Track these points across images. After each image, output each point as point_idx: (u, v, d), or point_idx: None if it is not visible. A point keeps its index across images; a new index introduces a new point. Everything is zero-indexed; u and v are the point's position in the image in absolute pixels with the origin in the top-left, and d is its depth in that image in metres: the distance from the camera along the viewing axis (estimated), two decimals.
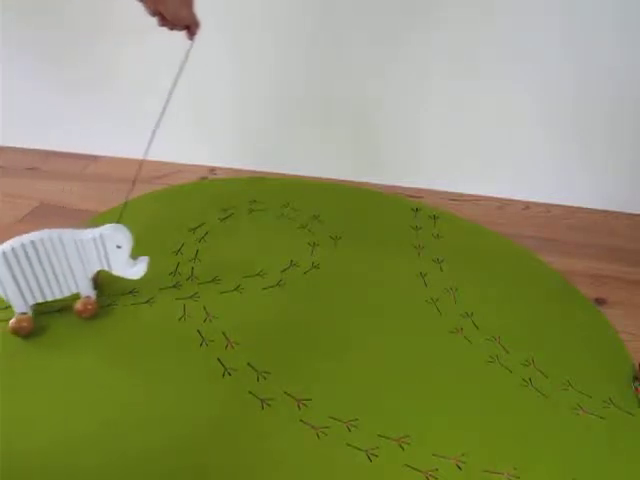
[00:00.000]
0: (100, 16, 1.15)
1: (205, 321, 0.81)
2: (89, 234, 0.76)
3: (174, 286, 0.88)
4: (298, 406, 0.69)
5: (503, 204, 1.16)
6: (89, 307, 0.80)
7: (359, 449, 0.64)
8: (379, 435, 0.65)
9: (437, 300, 0.87)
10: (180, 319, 0.81)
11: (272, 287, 0.88)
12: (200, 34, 1.14)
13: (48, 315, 0.81)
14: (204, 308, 0.84)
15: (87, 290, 0.80)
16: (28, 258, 0.73)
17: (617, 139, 1.06)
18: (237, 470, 0.61)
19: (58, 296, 0.79)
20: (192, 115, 1.24)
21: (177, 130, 1.27)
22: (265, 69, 1.15)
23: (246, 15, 1.09)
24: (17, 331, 0.77)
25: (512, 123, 1.09)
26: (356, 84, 1.12)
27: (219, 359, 0.75)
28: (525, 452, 0.64)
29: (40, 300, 0.78)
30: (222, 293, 0.87)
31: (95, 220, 1.06)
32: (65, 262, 0.76)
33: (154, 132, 0.85)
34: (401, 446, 0.64)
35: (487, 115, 1.09)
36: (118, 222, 0.78)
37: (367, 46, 1.07)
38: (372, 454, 0.63)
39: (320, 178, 1.23)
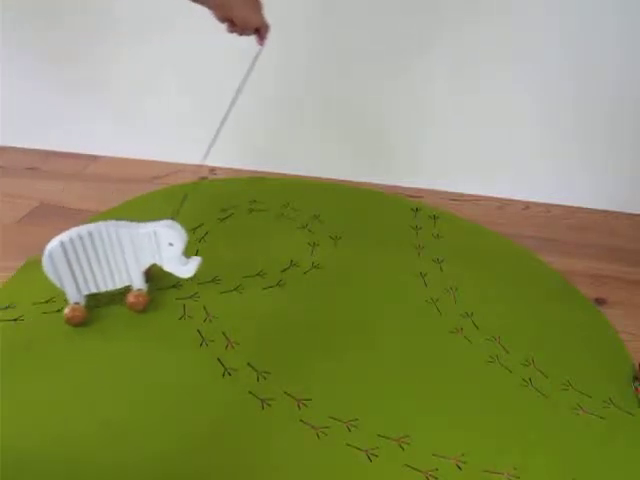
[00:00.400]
0: (100, 16, 1.15)
1: (205, 321, 0.81)
2: (144, 229, 0.77)
3: (174, 286, 0.88)
4: (298, 406, 0.69)
5: (503, 204, 1.16)
6: (141, 299, 0.81)
7: (359, 449, 0.64)
8: (379, 435, 0.65)
9: (437, 300, 0.87)
10: (180, 319, 0.81)
11: (272, 287, 0.88)
12: (200, 34, 1.14)
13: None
14: (204, 308, 0.84)
15: (139, 283, 0.81)
16: (84, 249, 0.75)
17: (617, 139, 1.06)
18: (237, 470, 0.61)
19: (111, 288, 0.80)
20: (192, 115, 1.24)
21: (177, 130, 1.27)
22: (265, 69, 1.15)
23: None
24: (70, 320, 0.78)
25: (512, 123, 1.09)
26: (356, 84, 1.12)
27: (219, 359, 0.75)
28: (525, 452, 0.64)
29: (94, 291, 0.79)
30: (222, 293, 0.87)
31: (95, 220, 1.06)
32: (120, 255, 0.77)
33: (215, 137, 0.89)
34: (401, 446, 0.64)
35: (487, 115, 1.09)
36: (173, 219, 0.80)
37: (367, 46, 1.07)
38: (372, 454, 0.63)
39: (320, 178, 1.23)
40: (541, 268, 0.97)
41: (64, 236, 0.74)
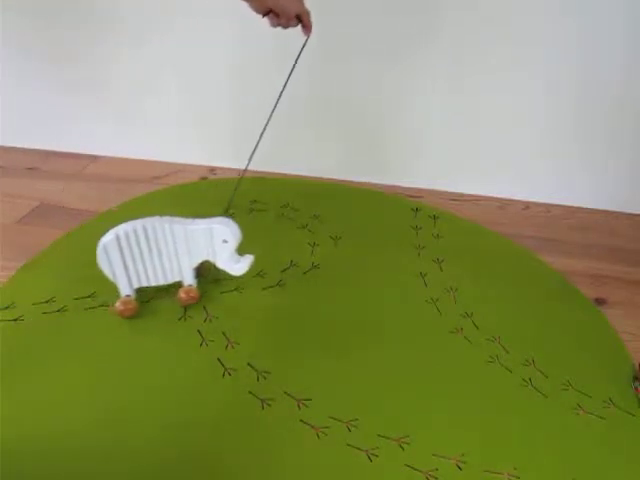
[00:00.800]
0: (100, 16, 1.15)
1: (205, 321, 0.81)
2: (199, 225, 0.77)
3: (174, 286, 0.87)
4: (298, 406, 0.69)
5: (503, 204, 1.16)
6: (192, 295, 0.82)
7: (359, 449, 0.64)
8: (379, 435, 0.65)
9: (437, 300, 0.87)
10: (180, 319, 0.81)
11: (272, 287, 0.88)
12: (200, 34, 1.14)
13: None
14: (204, 308, 0.84)
15: (190, 279, 0.82)
16: (138, 243, 0.76)
17: (617, 139, 1.06)
18: (237, 470, 0.61)
19: (162, 282, 0.81)
20: (192, 115, 1.24)
21: (177, 130, 1.27)
22: (265, 69, 1.15)
23: (245, 15, 1.09)
24: (122, 313, 0.80)
25: (512, 123, 1.09)
26: (356, 84, 1.12)
27: (219, 359, 0.75)
28: (525, 452, 0.64)
29: (145, 284, 0.81)
30: (222, 293, 0.87)
31: (95, 220, 1.06)
32: (172, 250, 0.78)
33: (258, 142, 0.92)
34: (401, 446, 0.64)
35: (487, 115, 1.09)
36: (227, 215, 0.81)
37: (368, 46, 1.07)
38: (372, 454, 0.63)
39: (320, 178, 1.23)
40: (541, 268, 0.97)
41: (119, 229, 0.75)
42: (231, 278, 0.89)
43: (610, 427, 0.68)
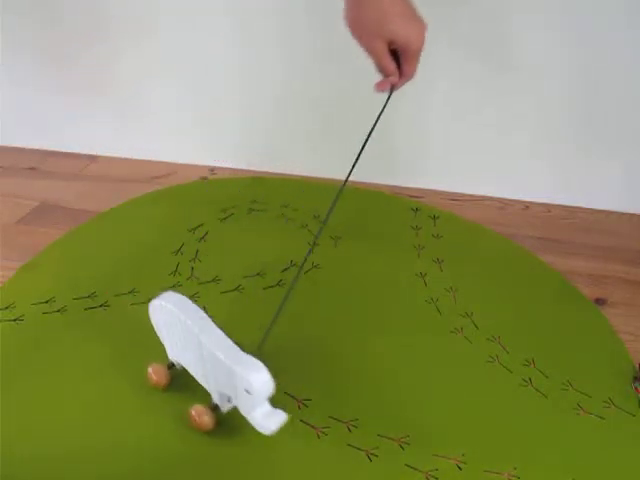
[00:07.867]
0: (100, 16, 1.15)
1: None
2: (222, 353, 0.61)
3: (174, 286, 0.87)
4: (298, 406, 0.69)
5: (503, 204, 1.16)
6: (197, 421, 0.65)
7: (359, 449, 0.64)
8: (379, 435, 0.65)
9: (437, 300, 0.87)
10: None
11: (272, 287, 0.88)
12: (201, 34, 1.14)
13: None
14: (204, 308, 0.83)
15: (216, 398, 0.65)
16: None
17: (617, 139, 1.06)
18: (237, 470, 0.62)
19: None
20: (192, 115, 1.24)
21: (177, 130, 1.27)
22: (265, 68, 1.15)
23: (245, 14, 1.09)
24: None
25: (512, 123, 1.09)
26: (356, 83, 1.12)
27: None
28: (525, 452, 0.64)
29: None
30: (222, 293, 0.87)
31: (95, 220, 1.06)
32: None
33: (359, 154, 0.86)
34: (401, 446, 0.64)
35: (487, 115, 1.09)
36: (260, 350, 0.66)
37: None
38: (372, 454, 0.63)
39: (320, 178, 1.23)
40: (541, 268, 0.97)
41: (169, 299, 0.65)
42: (230, 278, 0.90)
43: (610, 427, 0.67)
